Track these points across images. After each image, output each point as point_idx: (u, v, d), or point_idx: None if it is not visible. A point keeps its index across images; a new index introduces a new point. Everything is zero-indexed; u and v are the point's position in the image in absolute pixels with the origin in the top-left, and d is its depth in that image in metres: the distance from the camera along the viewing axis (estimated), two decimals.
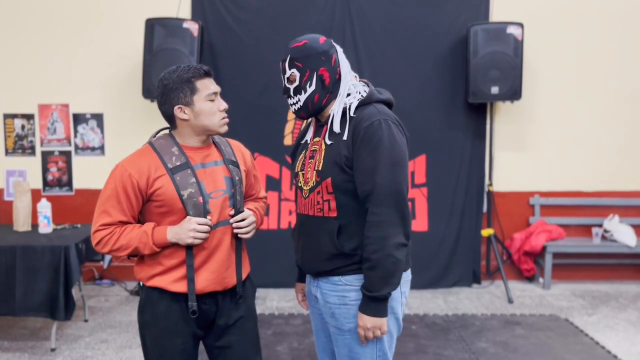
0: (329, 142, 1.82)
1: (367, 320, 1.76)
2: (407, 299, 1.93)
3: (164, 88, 1.85)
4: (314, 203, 1.85)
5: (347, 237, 1.81)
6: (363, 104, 1.82)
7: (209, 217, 1.84)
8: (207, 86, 1.86)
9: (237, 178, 1.93)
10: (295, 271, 2.19)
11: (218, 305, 1.92)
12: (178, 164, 1.84)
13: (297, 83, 1.84)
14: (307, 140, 1.97)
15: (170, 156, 1.85)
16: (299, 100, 1.85)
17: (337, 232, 1.80)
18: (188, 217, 1.82)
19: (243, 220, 1.91)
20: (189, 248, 1.83)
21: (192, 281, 1.84)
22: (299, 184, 1.93)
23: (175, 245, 1.83)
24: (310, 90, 1.83)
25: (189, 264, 1.84)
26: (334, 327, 1.89)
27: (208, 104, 1.85)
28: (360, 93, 1.85)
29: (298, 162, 1.97)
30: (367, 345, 1.83)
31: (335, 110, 1.83)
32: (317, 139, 1.90)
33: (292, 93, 1.86)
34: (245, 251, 2.03)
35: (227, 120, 1.90)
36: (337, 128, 1.81)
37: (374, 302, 1.75)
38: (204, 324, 1.93)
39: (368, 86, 1.90)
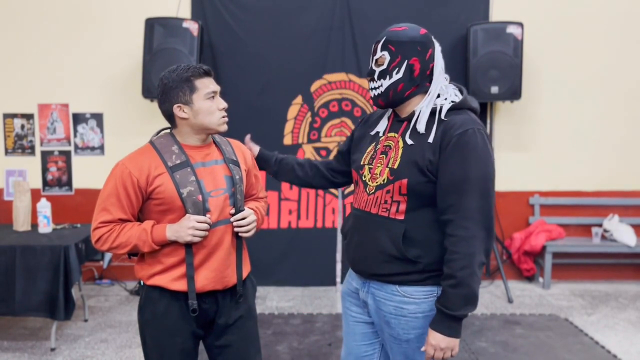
0: (409, 142, 1.72)
1: (441, 340, 1.66)
2: None
3: (164, 87, 1.85)
4: (380, 201, 1.75)
5: (411, 243, 1.72)
6: (455, 108, 1.72)
7: (208, 215, 1.84)
8: (207, 85, 1.85)
9: (237, 177, 1.93)
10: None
11: (218, 305, 1.92)
12: (178, 162, 1.84)
13: (384, 67, 1.74)
14: (378, 132, 1.86)
15: (171, 155, 1.85)
16: (381, 85, 1.75)
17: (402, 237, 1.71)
18: (187, 215, 1.81)
19: (244, 219, 1.91)
20: (189, 246, 1.83)
21: (192, 279, 1.84)
22: (363, 178, 1.83)
23: (175, 244, 1.83)
24: (396, 77, 1.73)
25: (188, 262, 1.83)
26: (389, 335, 1.80)
27: (207, 103, 1.85)
28: (453, 96, 1.76)
29: (366, 154, 1.85)
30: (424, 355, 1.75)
31: (422, 109, 1.74)
32: (392, 134, 1.80)
33: (376, 77, 1.76)
34: (246, 250, 2.03)
35: (226, 119, 1.90)
36: (422, 129, 1.71)
37: (452, 321, 1.66)
38: (204, 323, 1.93)
39: (461, 91, 1.80)
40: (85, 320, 3.99)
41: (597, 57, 4.82)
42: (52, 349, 3.48)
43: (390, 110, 1.87)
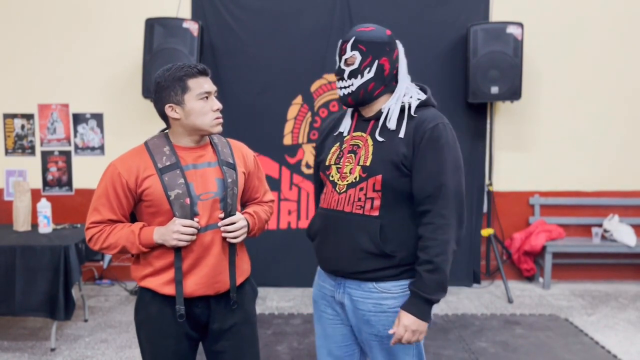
0: (380, 139, 1.76)
1: (412, 322, 1.69)
2: None
3: (157, 86, 1.81)
4: (353, 199, 1.77)
5: (387, 238, 1.74)
6: (423, 105, 1.80)
7: (196, 219, 1.79)
8: (201, 85, 1.79)
9: (229, 180, 1.85)
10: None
11: (210, 310, 1.87)
12: (168, 164, 1.80)
13: (355, 66, 1.78)
14: (342, 132, 1.88)
15: (161, 156, 1.81)
16: (352, 84, 1.79)
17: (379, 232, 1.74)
18: (174, 218, 1.78)
19: (232, 224, 1.84)
20: (178, 250, 1.79)
21: (180, 284, 1.80)
22: (331, 178, 1.84)
23: (164, 247, 1.79)
24: (367, 76, 1.78)
25: (177, 267, 1.79)
26: (369, 334, 1.81)
27: (199, 103, 1.79)
28: (417, 94, 1.82)
29: (330, 154, 1.87)
30: (407, 348, 1.78)
31: (392, 107, 1.79)
32: (359, 133, 1.83)
33: (346, 76, 1.80)
34: (245, 254, 1.98)
35: (220, 120, 1.84)
36: (392, 126, 1.76)
37: (425, 304, 1.70)
38: (198, 327, 1.89)
39: (424, 90, 1.86)
40: (85, 320, 3.99)
41: (597, 57, 4.82)
42: (52, 349, 3.48)
43: (351, 110, 1.90)
